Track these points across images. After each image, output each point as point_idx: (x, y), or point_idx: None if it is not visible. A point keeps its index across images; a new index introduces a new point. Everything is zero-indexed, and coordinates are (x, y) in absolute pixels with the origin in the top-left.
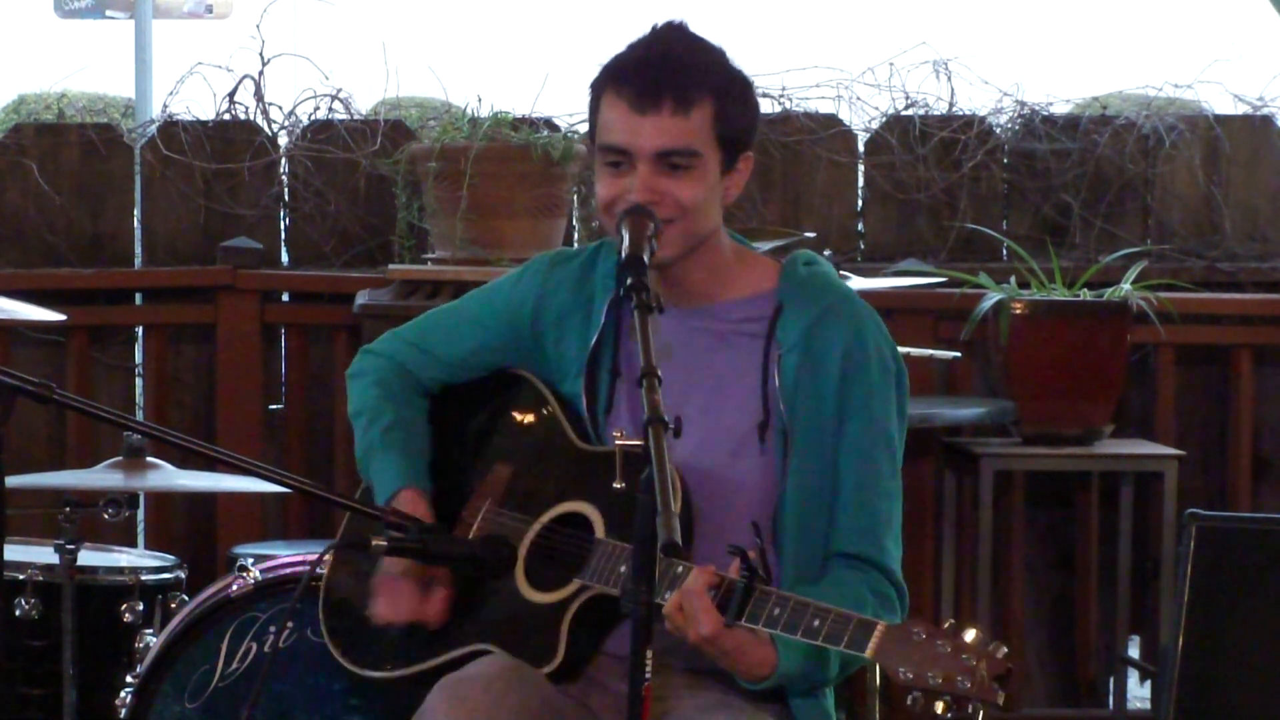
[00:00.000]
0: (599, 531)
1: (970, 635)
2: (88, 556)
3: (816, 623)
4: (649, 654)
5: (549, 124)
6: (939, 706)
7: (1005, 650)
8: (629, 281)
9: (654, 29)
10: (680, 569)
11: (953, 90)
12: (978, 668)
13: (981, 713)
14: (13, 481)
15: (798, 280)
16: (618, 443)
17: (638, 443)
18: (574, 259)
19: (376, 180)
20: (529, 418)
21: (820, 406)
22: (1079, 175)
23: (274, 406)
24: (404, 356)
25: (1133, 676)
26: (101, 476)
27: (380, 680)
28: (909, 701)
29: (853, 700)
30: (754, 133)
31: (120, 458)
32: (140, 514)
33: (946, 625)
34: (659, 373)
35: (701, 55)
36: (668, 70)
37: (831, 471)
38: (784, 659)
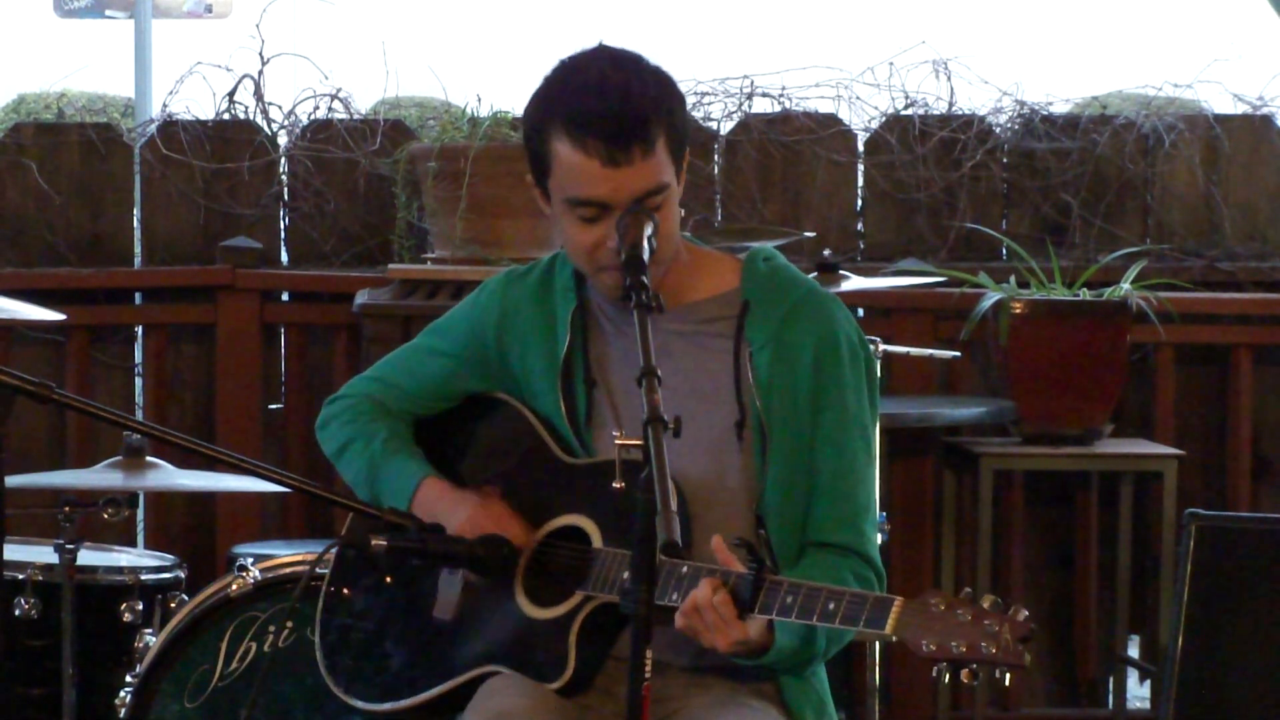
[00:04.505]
0: (596, 541)
1: (988, 601)
2: (87, 556)
3: (831, 606)
4: (649, 654)
5: None
6: (965, 675)
7: (1026, 613)
8: (628, 281)
9: (595, 63)
10: (685, 569)
11: (952, 90)
12: (1000, 632)
13: (1009, 676)
14: (13, 481)
15: (761, 277)
16: (617, 443)
17: (637, 442)
18: (529, 275)
19: (376, 180)
20: (512, 438)
21: (795, 400)
22: (1079, 175)
23: (274, 406)
24: (372, 391)
25: (1132, 676)
26: (101, 476)
27: (391, 713)
28: (934, 673)
29: (853, 700)
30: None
31: (120, 457)
32: (140, 514)
33: (963, 594)
34: (658, 372)
35: (647, 82)
36: (628, 114)
37: (808, 463)
38: (780, 638)
